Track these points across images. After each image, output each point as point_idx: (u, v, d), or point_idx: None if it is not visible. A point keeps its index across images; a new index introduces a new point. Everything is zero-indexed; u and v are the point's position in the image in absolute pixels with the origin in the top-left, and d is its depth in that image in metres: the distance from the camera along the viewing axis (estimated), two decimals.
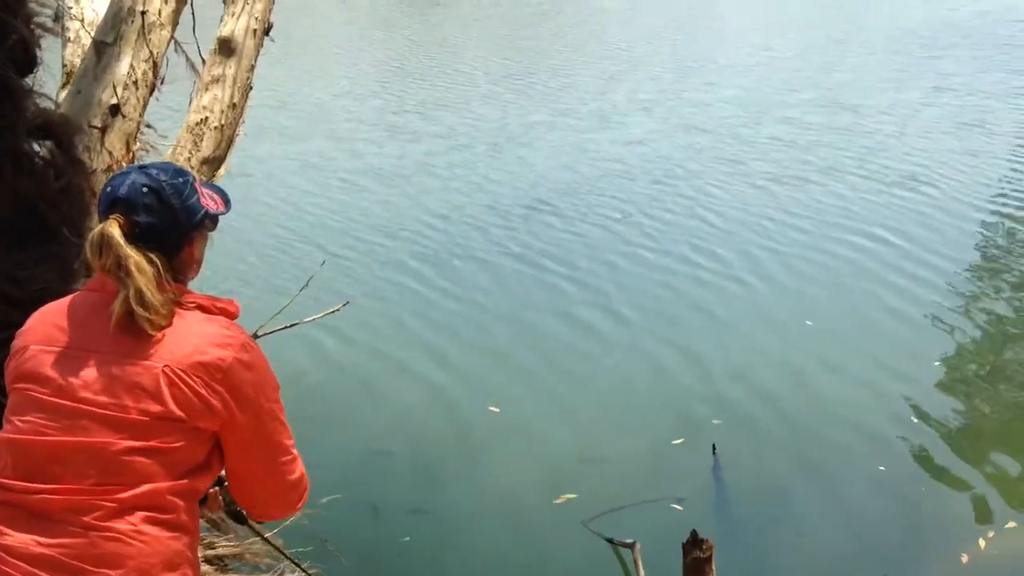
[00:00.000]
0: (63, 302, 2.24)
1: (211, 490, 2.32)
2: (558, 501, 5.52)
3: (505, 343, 7.56)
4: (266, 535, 3.65)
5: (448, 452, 6.11)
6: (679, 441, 6.07)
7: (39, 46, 3.37)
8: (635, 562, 4.80)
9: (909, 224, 9.96)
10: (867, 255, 9.12)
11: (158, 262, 2.14)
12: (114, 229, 2.12)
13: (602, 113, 15.39)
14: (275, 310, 5.14)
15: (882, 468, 5.81)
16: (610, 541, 5.05)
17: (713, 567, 3.66)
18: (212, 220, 2.30)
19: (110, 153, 3.56)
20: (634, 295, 8.40)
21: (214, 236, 2.33)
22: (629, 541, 4.93)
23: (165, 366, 2.08)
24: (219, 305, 2.24)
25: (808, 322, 7.77)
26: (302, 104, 16.38)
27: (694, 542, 3.66)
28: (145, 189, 2.16)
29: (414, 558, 5.09)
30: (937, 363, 7.09)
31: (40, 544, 1.98)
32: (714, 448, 5.88)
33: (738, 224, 10.12)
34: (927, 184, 11.28)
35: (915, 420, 6.32)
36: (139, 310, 2.08)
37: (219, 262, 2.22)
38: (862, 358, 7.12)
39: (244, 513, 2.55)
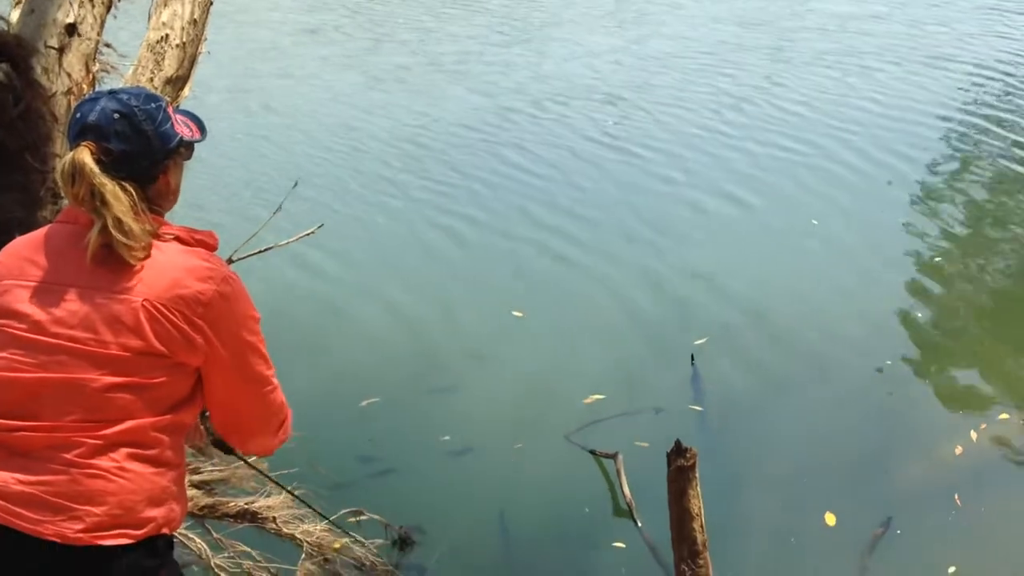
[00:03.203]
0: (36, 234, 2.17)
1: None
2: (587, 401, 5.55)
3: (518, 250, 7.51)
4: (250, 459, 3.63)
5: (472, 357, 6.09)
6: (701, 341, 6.10)
7: None
8: (618, 472, 4.84)
9: (902, 109, 10.16)
10: (854, 146, 9.24)
11: (133, 191, 2.08)
12: (86, 156, 2.04)
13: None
14: (257, 236, 4.98)
15: (869, 368, 5.85)
16: (592, 452, 5.08)
17: (696, 475, 3.67)
18: (187, 148, 2.24)
19: (69, 75, 3.43)
20: (642, 198, 8.40)
21: (190, 164, 2.26)
22: (612, 452, 4.97)
23: (144, 300, 2.03)
24: (197, 237, 2.19)
25: (814, 221, 7.80)
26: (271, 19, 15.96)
27: (678, 451, 3.67)
28: (116, 115, 2.09)
29: (426, 470, 5.08)
30: (924, 262, 7.14)
31: (20, 482, 1.95)
32: (692, 358, 5.88)
33: (736, 125, 10.08)
34: (921, 70, 11.44)
35: (901, 318, 6.37)
36: (120, 237, 2.02)
37: (186, 185, 2.17)
38: (854, 255, 7.20)
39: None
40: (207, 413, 2.33)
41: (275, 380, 2.26)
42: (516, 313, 6.52)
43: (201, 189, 8.12)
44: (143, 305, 2.03)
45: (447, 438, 5.28)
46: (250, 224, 5.20)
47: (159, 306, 2.03)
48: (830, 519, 4.66)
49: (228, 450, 2.66)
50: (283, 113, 10.88)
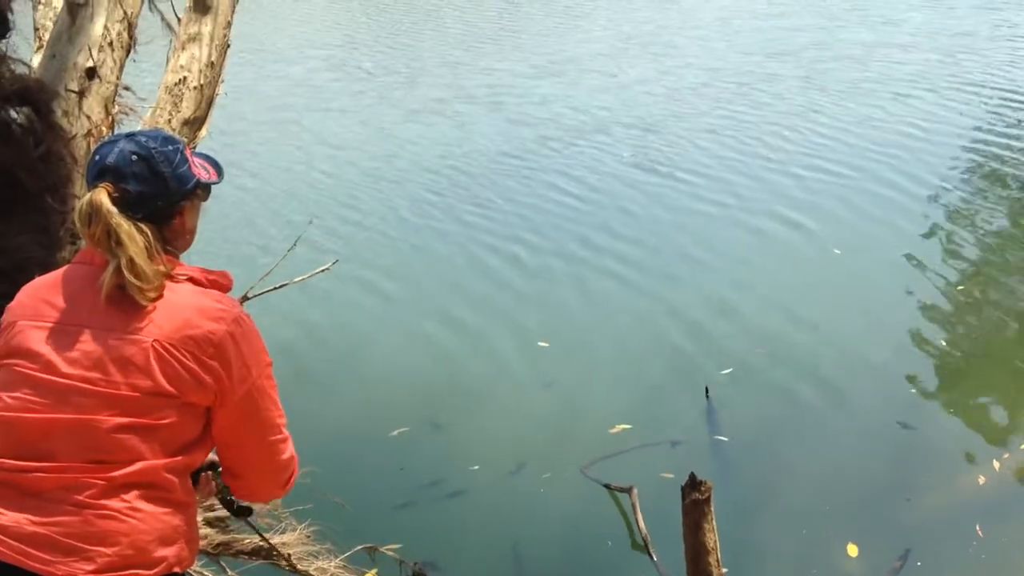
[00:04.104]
0: (54, 275, 2.20)
1: (203, 473, 2.31)
2: (613, 431, 5.55)
3: (543, 281, 7.57)
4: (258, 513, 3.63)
5: (497, 388, 6.13)
6: (727, 371, 6.11)
7: (10, 10, 3.30)
8: (633, 506, 4.82)
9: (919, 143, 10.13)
10: (884, 172, 9.29)
11: (148, 232, 2.10)
12: (103, 197, 2.07)
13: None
14: (274, 273, 4.97)
15: (891, 398, 5.82)
16: (607, 487, 5.06)
17: (711, 508, 3.66)
18: (204, 189, 2.26)
19: (89, 117, 3.50)
20: (668, 230, 8.44)
21: (207, 205, 2.29)
22: (627, 486, 4.95)
23: (154, 341, 2.04)
24: (211, 277, 2.20)
25: (836, 250, 7.81)
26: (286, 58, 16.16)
27: (692, 484, 3.66)
28: (134, 157, 2.11)
29: (444, 502, 5.11)
30: (945, 290, 7.10)
31: (33, 523, 1.96)
32: (707, 391, 5.86)
33: (765, 154, 10.13)
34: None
35: (921, 349, 6.34)
36: (131, 279, 2.04)
37: (202, 225, 2.22)
38: (876, 285, 7.20)
39: (236, 504, 2.51)
40: (219, 467, 2.33)
41: (285, 431, 2.25)
42: (542, 343, 6.54)
43: (236, 221, 8.22)
44: (152, 346, 2.04)
45: (476, 467, 5.31)
46: (295, 255, 5.28)
47: (168, 347, 2.05)
48: (852, 550, 4.62)
49: (237, 511, 2.61)
50: (320, 147, 11.01)
